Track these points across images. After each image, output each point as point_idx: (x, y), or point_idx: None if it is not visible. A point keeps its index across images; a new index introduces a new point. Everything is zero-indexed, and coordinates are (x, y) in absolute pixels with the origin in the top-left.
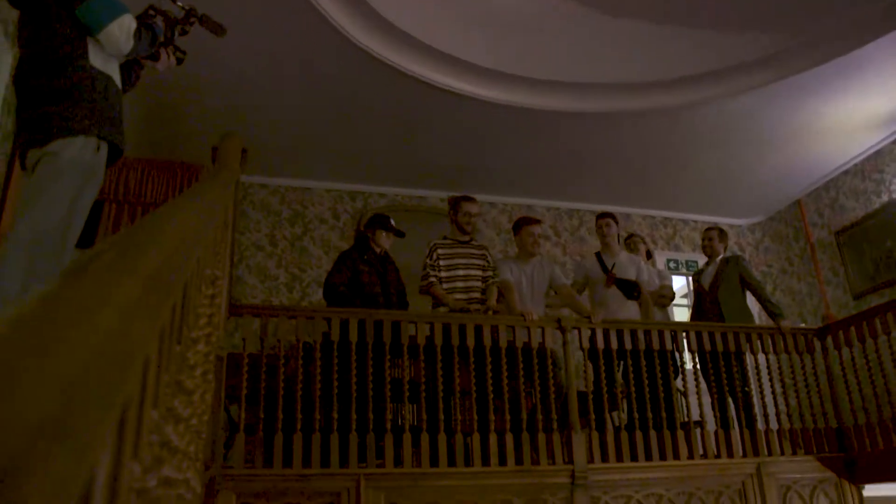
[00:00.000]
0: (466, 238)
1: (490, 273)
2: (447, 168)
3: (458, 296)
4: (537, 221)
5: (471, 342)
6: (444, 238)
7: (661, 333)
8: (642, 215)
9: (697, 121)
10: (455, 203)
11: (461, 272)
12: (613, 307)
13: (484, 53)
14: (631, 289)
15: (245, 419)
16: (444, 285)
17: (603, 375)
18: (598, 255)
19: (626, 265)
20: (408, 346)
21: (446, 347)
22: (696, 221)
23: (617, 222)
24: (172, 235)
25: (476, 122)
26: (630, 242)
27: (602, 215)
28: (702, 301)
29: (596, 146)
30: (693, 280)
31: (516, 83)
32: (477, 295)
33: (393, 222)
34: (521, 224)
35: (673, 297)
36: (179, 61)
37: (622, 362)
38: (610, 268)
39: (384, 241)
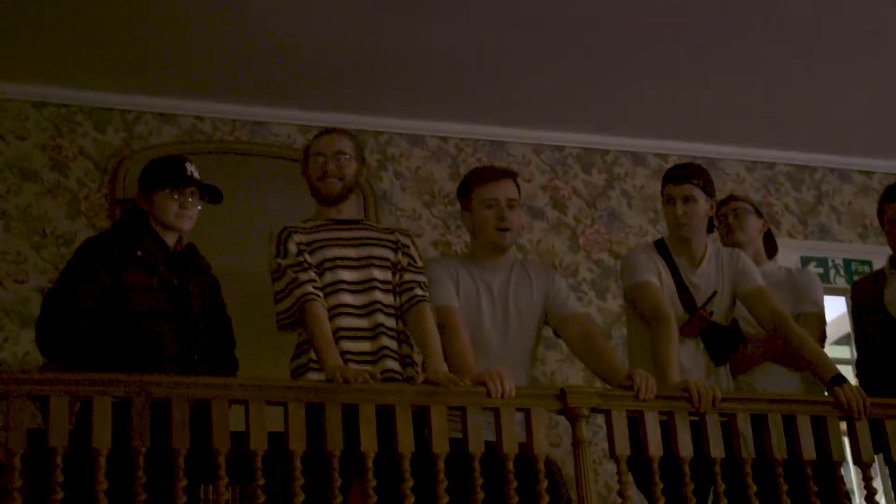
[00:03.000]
0: (346, 213)
1: (414, 277)
2: (317, 58)
3: (347, 322)
4: (511, 175)
5: (369, 446)
6: (306, 221)
7: (791, 423)
8: (742, 160)
9: None
10: (305, 149)
11: (347, 276)
12: (685, 372)
13: None
14: (729, 344)
15: None
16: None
17: None
18: (663, 245)
19: (720, 283)
20: (229, 457)
21: (313, 458)
22: (869, 172)
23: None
24: None
25: None
26: (726, 213)
27: (695, 177)
28: (887, 349)
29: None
30: (861, 302)
31: None
32: (387, 323)
33: (192, 170)
34: (478, 180)
35: (823, 339)
36: None
37: (705, 485)
38: (702, 303)
39: (178, 214)
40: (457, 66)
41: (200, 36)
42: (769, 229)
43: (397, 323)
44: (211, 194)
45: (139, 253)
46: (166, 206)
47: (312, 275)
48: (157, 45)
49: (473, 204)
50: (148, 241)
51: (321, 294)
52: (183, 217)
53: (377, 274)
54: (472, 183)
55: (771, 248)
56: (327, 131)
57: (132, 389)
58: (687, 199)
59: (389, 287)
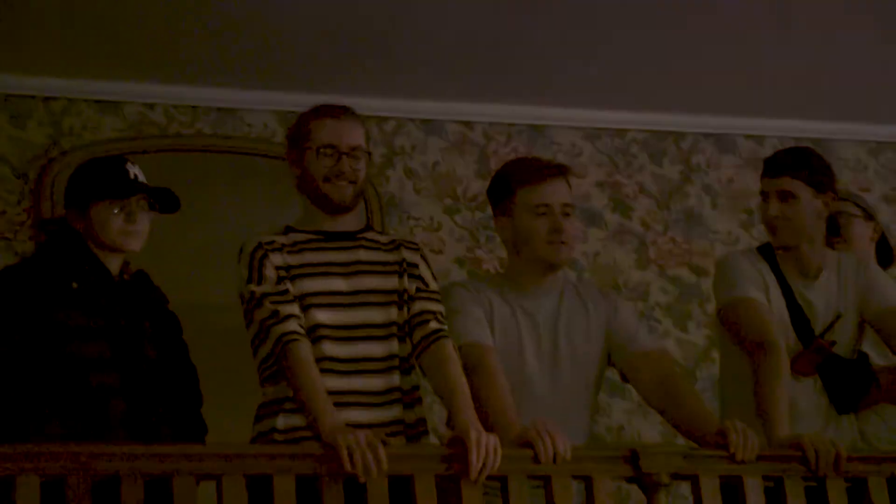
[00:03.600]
0: (344, 223)
1: (426, 306)
2: (302, 28)
3: (333, 382)
4: (561, 172)
5: None
6: (287, 230)
7: None
8: (864, 140)
9: None
10: (298, 128)
11: (330, 317)
12: (799, 420)
13: None
14: (855, 384)
15: None
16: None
17: None
18: (769, 251)
19: (844, 303)
20: None
21: None
22: None
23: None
24: None
25: None
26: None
27: (795, 166)
28: None
29: None
30: None
31: None
32: (381, 371)
33: (137, 172)
34: (522, 179)
35: None
36: None
37: None
38: (822, 330)
39: (122, 231)
40: (482, 33)
41: (148, 3)
42: (883, 234)
43: (402, 380)
44: (163, 202)
45: (74, 285)
46: (107, 222)
47: (296, 308)
48: (93, 17)
49: (516, 209)
50: (84, 269)
51: (305, 332)
52: (129, 234)
53: (373, 313)
54: (514, 182)
55: (885, 258)
56: (333, 113)
57: (67, 464)
58: (784, 196)
59: (389, 326)
